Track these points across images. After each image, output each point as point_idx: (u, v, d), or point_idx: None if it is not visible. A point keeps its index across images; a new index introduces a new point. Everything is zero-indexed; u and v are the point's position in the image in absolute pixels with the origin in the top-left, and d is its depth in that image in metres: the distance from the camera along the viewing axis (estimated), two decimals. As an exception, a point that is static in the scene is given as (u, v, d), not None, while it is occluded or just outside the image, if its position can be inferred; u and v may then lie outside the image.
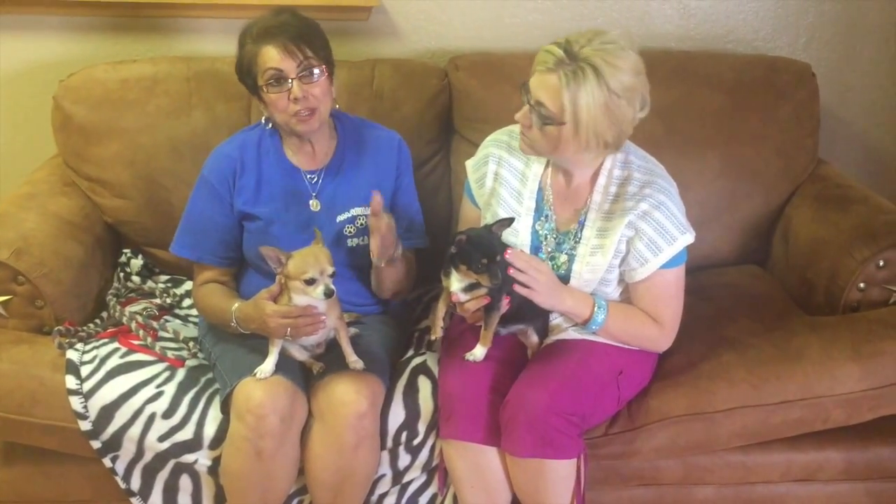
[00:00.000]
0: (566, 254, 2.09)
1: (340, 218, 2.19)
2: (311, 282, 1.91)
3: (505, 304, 2.00)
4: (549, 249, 2.11)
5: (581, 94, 1.85)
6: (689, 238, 2.02)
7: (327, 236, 2.10)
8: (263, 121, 2.19)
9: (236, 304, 2.08)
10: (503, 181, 2.14)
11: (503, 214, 2.10)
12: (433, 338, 2.11)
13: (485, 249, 1.92)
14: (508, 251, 1.93)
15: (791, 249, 2.57)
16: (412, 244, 2.28)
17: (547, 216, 2.11)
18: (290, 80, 2.03)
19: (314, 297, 1.93)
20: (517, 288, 1.94)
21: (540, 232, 2.12)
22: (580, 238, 2.07)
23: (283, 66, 2.02)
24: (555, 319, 2.13)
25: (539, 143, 1.97)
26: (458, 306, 2.00)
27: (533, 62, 1.93)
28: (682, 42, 2.87)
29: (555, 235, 2.11)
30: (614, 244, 2.01)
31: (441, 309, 2.07)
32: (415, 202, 2.31)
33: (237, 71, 2.13)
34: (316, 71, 2.06)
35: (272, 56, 2.03)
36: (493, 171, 2.15)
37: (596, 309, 2.03)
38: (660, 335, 2.08)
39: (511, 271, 1.91)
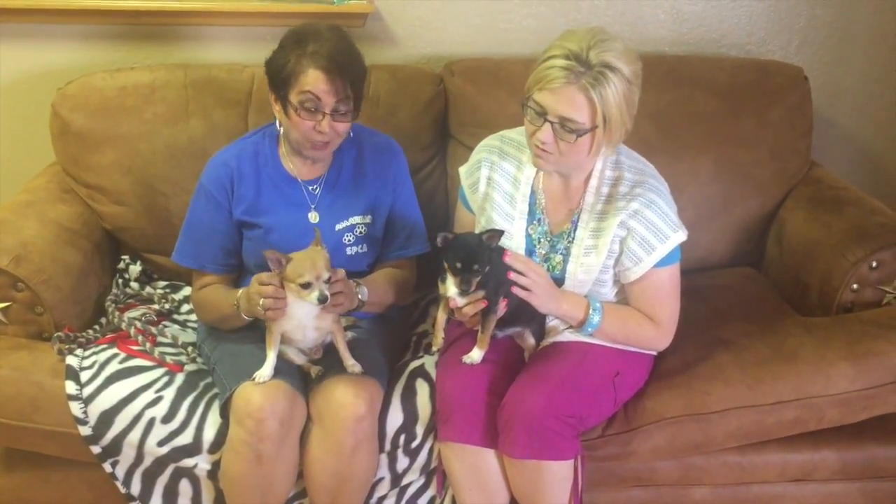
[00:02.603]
0: (560, 254, 2.11)
1: (339, 227, 2.20)
2: (306, 286, 1.92)
3: (502, 307, 2.01)
4: (543, 252, 2.13)
5: (608, 94, 1.88)
6: (681, 236, 2.03)
7: (325, 246, 2.10)
8: (278, 124, 2.16)
9: (240, 291, 2.07)
10: (496, 185, 2.15)
11: (497, 218, 2.11)
12: (434, 349, 2.12)
13: (463, 254, 1.91)
14: (508, 254, 1.94)
15: (785, 251, 2.59)
16: (414, 251, 2.28)
17: (539, 220, 2.13)
18: (323, 113, 2.02)
19: (308, 302, 1.93)
20: (516, 290, 1.95)
21: (533, 236, 2.13)
22: (573, 239, 2.08)
23: (323, 96, 2.00)
24: (551, 321, 2.14)
25: (568, 157, 1.96)
26: (456, 311, 2.01)
27: (534, 77, 1.93)
28: (675, 46, 2.88)
29: (548, 238, 2.12)
30: (607, 244, 2.03)
31: (441, 318, 2.08)
32: (415, 209, 2.31)
33: (271, 66, 2.07)
34: (348, 109, 2.05)
35: (317, 83, 1.99)
36: (486, 175, 2.16)
37: (591, 311, 2.04)
38: (657, 335, 2.09)
39: (511, 275, 1.93)
